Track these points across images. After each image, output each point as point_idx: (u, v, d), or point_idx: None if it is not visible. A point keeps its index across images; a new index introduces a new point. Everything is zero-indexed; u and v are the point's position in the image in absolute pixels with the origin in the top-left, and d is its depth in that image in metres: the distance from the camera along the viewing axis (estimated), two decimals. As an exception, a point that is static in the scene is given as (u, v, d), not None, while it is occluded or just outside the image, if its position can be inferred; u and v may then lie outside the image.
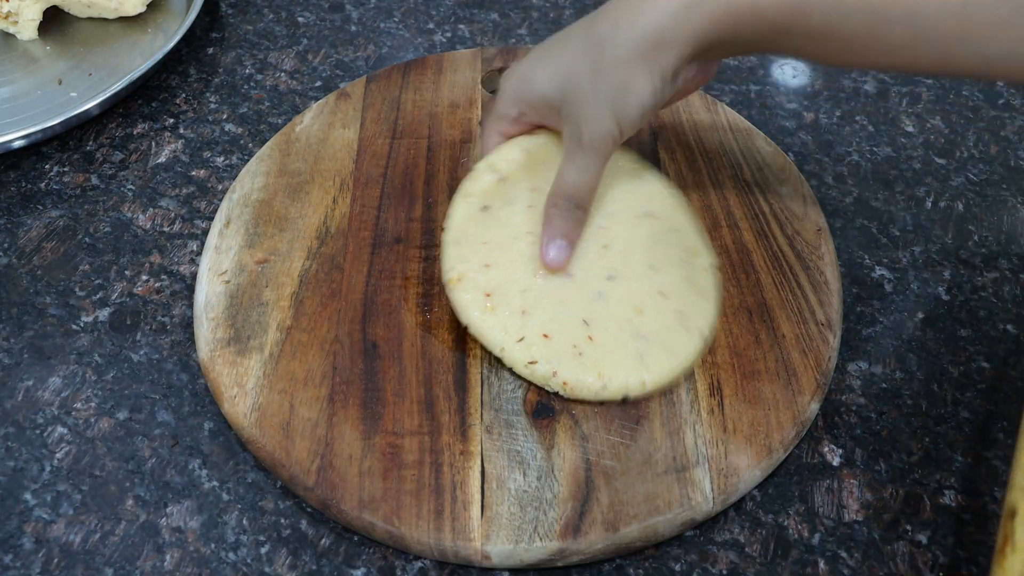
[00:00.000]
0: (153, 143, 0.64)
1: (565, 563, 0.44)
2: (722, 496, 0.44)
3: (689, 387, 0.48)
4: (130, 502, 0.47)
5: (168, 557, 0.45)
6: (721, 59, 0.50)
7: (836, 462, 0.48)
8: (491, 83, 0.64)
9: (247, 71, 0.69)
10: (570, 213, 0.49)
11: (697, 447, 0.46)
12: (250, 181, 0.58)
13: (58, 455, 0.48)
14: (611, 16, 0.45)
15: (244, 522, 0.46)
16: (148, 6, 0.71)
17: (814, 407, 0.48)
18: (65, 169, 0.62)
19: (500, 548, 0.43)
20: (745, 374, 0.49)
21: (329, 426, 0.47)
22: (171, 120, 0.65)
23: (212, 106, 0.66)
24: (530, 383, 0.48)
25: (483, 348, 0.49)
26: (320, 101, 0.63)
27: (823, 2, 0.42)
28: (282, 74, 0.68)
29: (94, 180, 0.62)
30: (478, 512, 0.44)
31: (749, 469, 0.45)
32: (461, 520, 0.43)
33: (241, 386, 0.48)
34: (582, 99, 0.46)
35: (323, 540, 0.45)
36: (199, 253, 0.57)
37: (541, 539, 0.43)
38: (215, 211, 0.59)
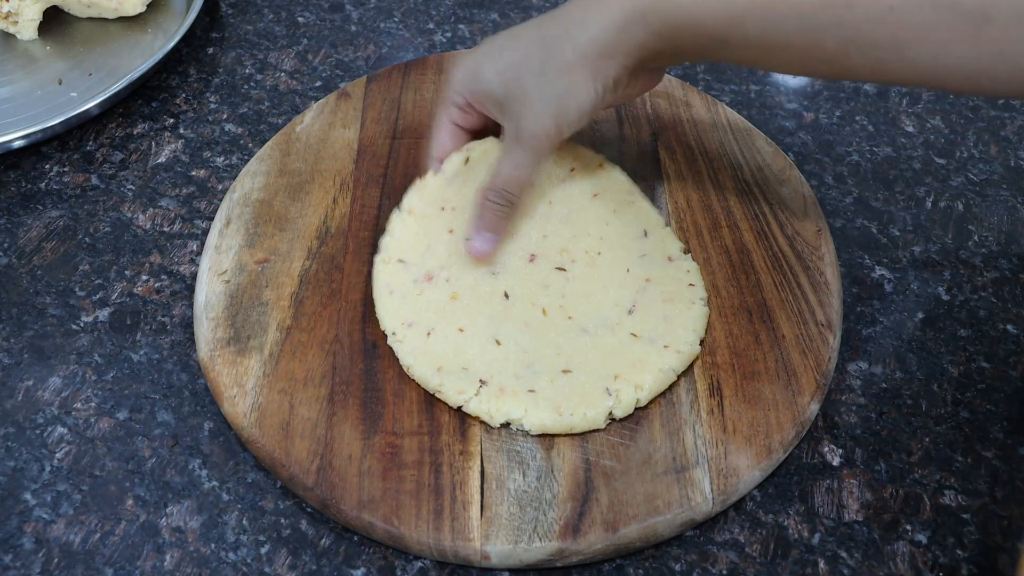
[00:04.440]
0: (153, 143, 0.64)
1: (564, 563, 0.44)
2: (722, 496, 0.44)
3: (689, 387, 0.48)
4: (130, 502, 0.47)
5: (168, 557, 0.45)
6: (666, 68, 0.52)
7: (836, 462, 0.48)
8: None
9: (247, 71, 0.68)
10: (500, 207, 0.51)
11: (697, 447, 0.46)
12: (250, 181, 0.58)
13: (58, 455, 0.48)
14: (561, 22, 0.47)
15: (244, 522, 0.46)
16: (148, 6, 0.71)
17: (814, 407, 0.48)
18: (65, 169, 0.62)
19: (499, 548, 0.43)
20: (745, 374, 0.49)
21: (329, 426, 0.47)
22: (171, 120, 0.65)
23: (212, 106, 0.66)
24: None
25: None
26: (320, 101, 0.63)
27: (756, 12, 0.43)
28: (282, 74, 0.68)
29: (94, 180, 0.62)
30: (477, 512, 0.44)
31: (749, 470, 0.45)
32: (460, 520, 0.43)
33: (241, 386, 0.48)
34: (525, 98, 0.48)
35: (323, 540, 0.45)
36: (199, 253, 0.57)
37: (540, 539, 0.43)
38: (215, 211, 0.59)
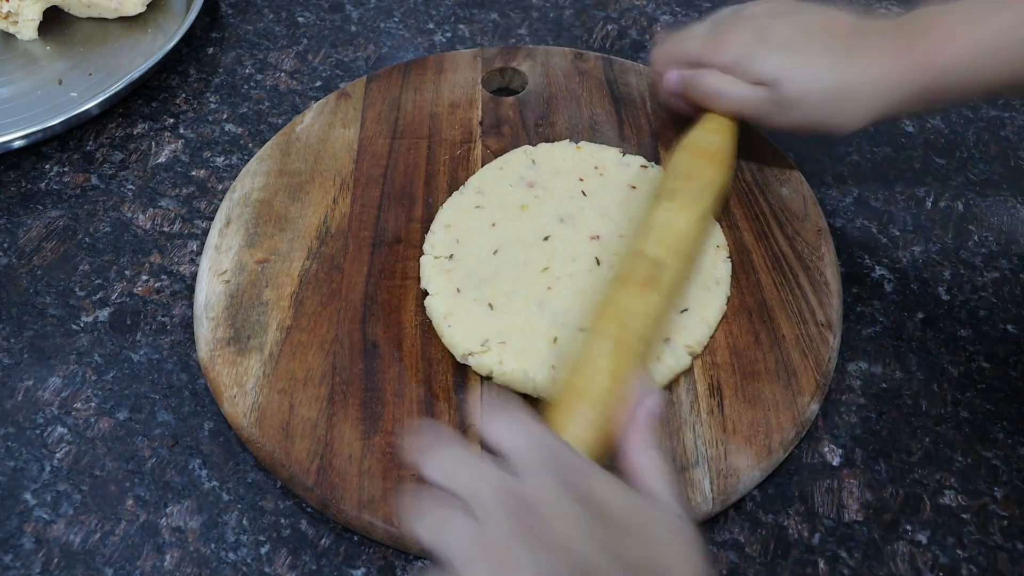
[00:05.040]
0: (153, 143, 0.64)
1: None
2: (721, 497, 0.44)
3: (689, 387, 0.48)
4: (130, 502, 0.47)
5: (168, 557, 0.45)
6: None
7: (836, 462, 0.48)
8: (491, 83, 0.65)
9: (247, 71, 0.69)
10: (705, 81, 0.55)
11: (697, 448, 0.46)
12: (250, 181, 0.58)
13: (58, 455, 0.48)
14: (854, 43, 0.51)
15: (244, 522, 0.46)
16: (148, 6, 0.71)
17: (814, 408, 0.48)
18: (65, 169, 0.62)
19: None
20: (745, 375, 0.49)
21: (329, 426, 0.47)
22: (171, 120, 0.65)
23: (212, 106, 0.66)
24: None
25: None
26: (321, 101, 0.63)
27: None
28: (282, 74, 0.68)
29: (94, 180, 0.62)
30: None
31: (749, 470, 0.45)
32: None
33: (241, 386, 0.48)
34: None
35: (323, 540, 0.45)
36: (199, 253, 0.57)
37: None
38: (215, 211, 0.59)
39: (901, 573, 0.44)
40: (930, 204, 0.60)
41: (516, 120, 0.62)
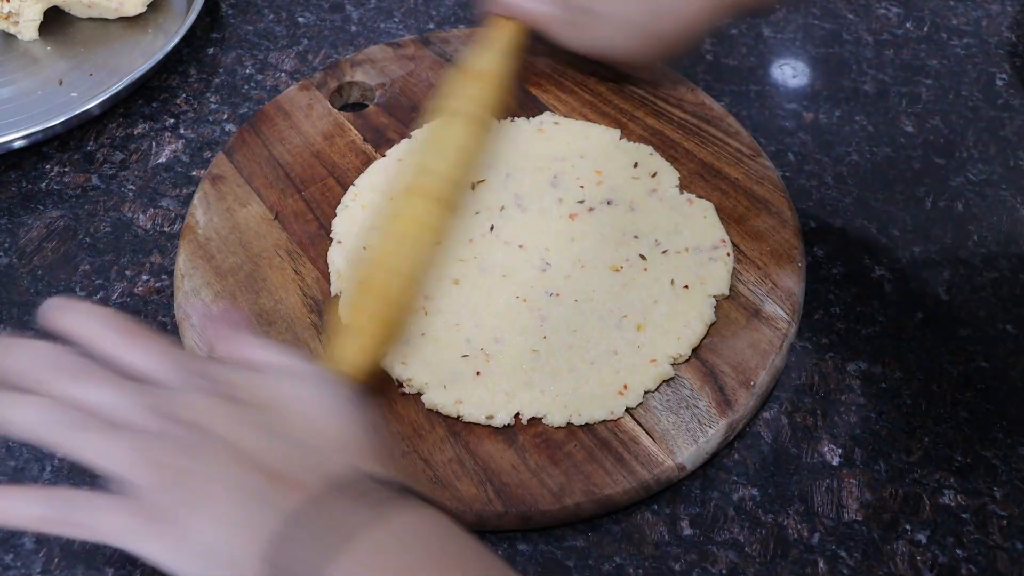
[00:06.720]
0: (153, 143, 0.64)
1: (736, 435, 0.48)
2: (795, 315, 0.51)
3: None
4: (131, 502, 0.47)
5: (168, 557, 0.45)
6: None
7: (836, 462, 0.48)
8: (337, 103, 0.64)
9: (247, 71, 0.69)
10: None
11: (753, 291, 0.51)
12: (197, 301, 0.53)
13: (59, 454, 0.48)
14: None
15: (244, 522, 0.46)
16: (149, 6, 0.71)
17: (795, 216, 0.55)
18: (66, 169, 0.62)
19: (687, 453, 0.46)
20: (738, 220, 0.55)
21: (473, 456, 0.46)
22: (171, 120, 0.65)
23: (212, 106, 0.66)
24: None
25: None
26: (197, 195, 0.58)
27: None
28: (282, 74, 0.68)
29: (95, 180, 0.62)
30: (648, 439, 0.46)
31: (796, 285, 0.52)
32: (641, 454, 0.46)
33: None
34: None
35: (323, 540, 0.45)
36: (199, 253, 0.57)
37: (710, 427, 0.46)
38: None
39: (900, 573, 0.44)
40: (930, 204, 0.60)
41: (393, 123, 0.61)
